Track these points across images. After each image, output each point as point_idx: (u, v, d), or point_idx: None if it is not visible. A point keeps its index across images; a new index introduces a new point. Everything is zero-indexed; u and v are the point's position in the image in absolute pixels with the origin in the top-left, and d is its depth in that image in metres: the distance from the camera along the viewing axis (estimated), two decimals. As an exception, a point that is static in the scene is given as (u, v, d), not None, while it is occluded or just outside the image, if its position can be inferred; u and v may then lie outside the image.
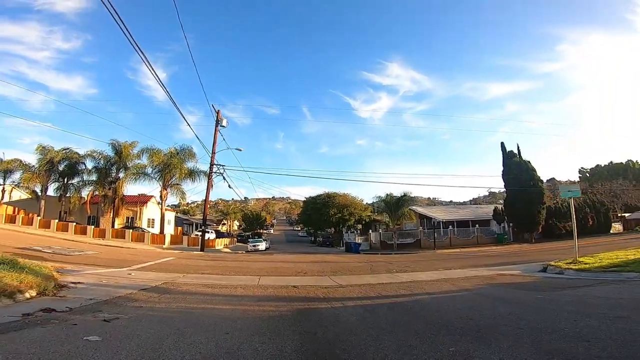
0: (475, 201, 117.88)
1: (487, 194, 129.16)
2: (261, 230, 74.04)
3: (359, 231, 42.35)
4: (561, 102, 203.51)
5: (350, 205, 51.69)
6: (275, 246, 45.82)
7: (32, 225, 26.64)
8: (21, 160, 30.90)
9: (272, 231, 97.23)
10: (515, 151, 34.95)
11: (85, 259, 13.28)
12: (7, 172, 30.80)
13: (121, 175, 30.52)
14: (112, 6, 8.29)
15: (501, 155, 35.47)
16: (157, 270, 11.69)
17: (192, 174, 30.52)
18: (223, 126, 27.45)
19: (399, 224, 38.76)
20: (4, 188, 31.42)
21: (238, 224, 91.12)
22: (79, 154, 31.30)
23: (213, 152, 26.93)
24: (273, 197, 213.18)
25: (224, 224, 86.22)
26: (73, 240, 22.38)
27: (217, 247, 34.68)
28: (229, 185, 30.00)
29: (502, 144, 35.91)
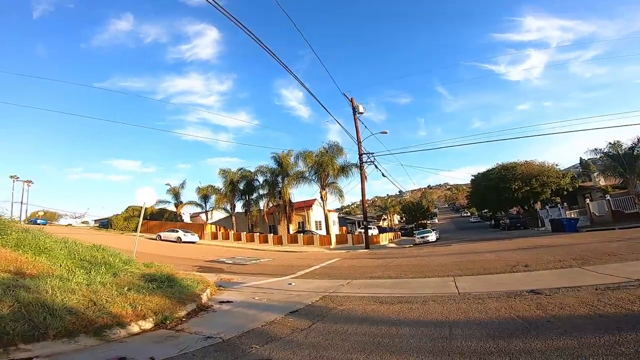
0: None
1: None
2: (425, 221, 68.30)
3: (564, 205, 30.99)
4: None
5: (540, 174, 39.37)
6: (446, 235, 39.82)
7: (228, 239, 31.84)
8: (213, 185, 38.47)
9: (436, 220, 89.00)
10: None
11: (256, 268, 13.01)
12: (205, 197, 38.96)
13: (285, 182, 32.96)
14: (263, 44, 7.16)
15: None
16: (321, 277, 9.74)
17: (344, 170, 29.65)
18: (361, 112, 25.43)
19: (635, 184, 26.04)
20: (206, 211, 39.85)
21: (399, 217, 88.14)
22: (250, 172, 36.25)
23: (359, 141, 24.99)
24: (429, 186, 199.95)
25: (384, 219, 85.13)
26: (256, 249, 24.72)
27: (381, 243, 32.49)
28: (383, 174, 27.25)
29: None
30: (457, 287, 6.18)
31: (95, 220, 54.10)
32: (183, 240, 28.53)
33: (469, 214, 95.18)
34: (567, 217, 23.83)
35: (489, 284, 6.23)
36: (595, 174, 39.17)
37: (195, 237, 29.71)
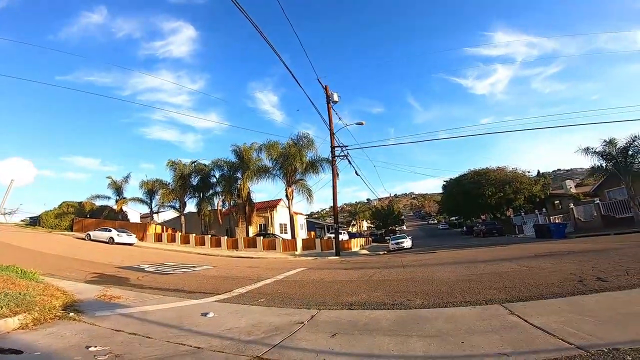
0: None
1: None
2: (395, 227, 66.70)
3: (542, 210, 29.65)
4: None
5: (513, 180, 38.56)
6: (418, 242, 37.42)
7: (174, 242, 26.96)
8: (161, 180, 32.40)
9: (404, 227, 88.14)
10: None
11: (178, 281, 9.04)
12: (151, 193, 32.81)
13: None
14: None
15: None
16: (269, 300, 6.06)
17: (313, 165, 25.98)
18: (335, 101, 22.40)
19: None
20: (151, 210, 33.85)
21: (367, 223, 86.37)
22: (206, 165, 31.37)
23: (331, 132, 21.72)
24: (395, 195, 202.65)
25: (353, 225, 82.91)
26: (203, 254, 20.44)
27: (353, 249, 29.28)
28: (356, 172, 24.28)
29: None
30: (545, 331, 2.83)
31: (30, 218, 46.93)
32: (116, 241, 23.53)
33: (436, 221, 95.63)
34: (554, 222, 22.03)
35: (600, 319, 2.94)
36: (567, 182, 39.21)
37: (132, 239, 24.70)
